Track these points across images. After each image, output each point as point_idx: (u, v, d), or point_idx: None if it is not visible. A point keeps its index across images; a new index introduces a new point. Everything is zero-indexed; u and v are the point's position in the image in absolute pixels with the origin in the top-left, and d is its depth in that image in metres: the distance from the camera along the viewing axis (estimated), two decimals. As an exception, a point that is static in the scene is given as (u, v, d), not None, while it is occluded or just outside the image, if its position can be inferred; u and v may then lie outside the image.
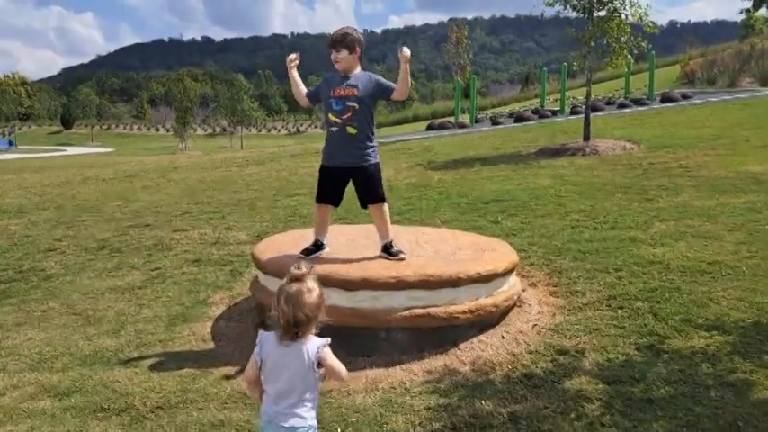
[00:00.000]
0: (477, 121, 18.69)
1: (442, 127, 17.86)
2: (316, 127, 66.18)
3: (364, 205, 4.24)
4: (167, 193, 10.50)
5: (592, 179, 8.77)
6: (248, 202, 9.12)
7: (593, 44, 11.43)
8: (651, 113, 16.27)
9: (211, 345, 4.37)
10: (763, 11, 30.78)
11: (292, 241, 4.84)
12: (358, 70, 4.13)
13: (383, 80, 4.19)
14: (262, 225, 7.57)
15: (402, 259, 4.11)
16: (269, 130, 68.76)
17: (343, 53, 4.06)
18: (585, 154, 10.73)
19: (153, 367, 4.02)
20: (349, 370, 3.84)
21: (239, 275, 5.74)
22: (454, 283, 3.96)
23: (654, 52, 18.05)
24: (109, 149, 54.15)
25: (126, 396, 3.64)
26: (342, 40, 4.06)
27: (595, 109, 17.15)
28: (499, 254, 4.49)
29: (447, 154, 12.33)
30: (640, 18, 11.03)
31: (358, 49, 4.10)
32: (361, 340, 3.99)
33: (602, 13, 11.18)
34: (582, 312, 4.42)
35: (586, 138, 11.56)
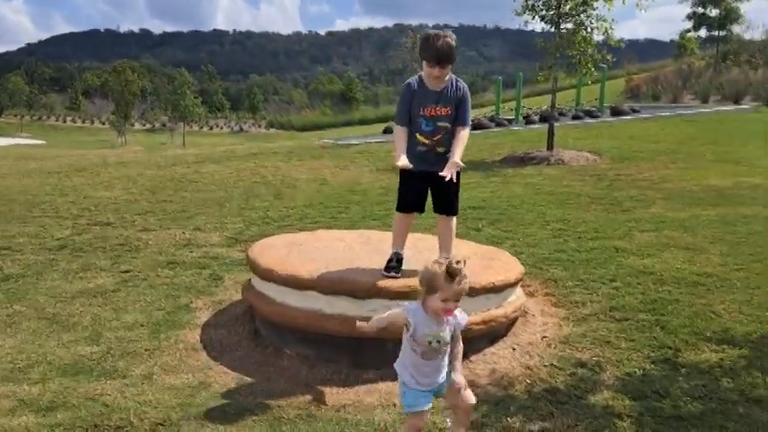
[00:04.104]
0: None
1: (399, 131, 17.79)
2: (259, 126, 65.07)
3: (441, 212, 3.89)
4: (123, 189, 9.96)
5: (564, 189, 8.83)
6: (214, 201, 8.73)
7: (558, 56, 11.59)
8: (605, 126, 16.68)
9: (203, 354, 4.07)
10: (695, 32, 32.25)
11: (285, 246, 4.59)
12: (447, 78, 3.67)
13: (468, 100, 3.75)
14: (234, 227, 7.24)
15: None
16: (211, 128, 67.20)
17: (448, 68, 3.60)
18: (551, 163, 10.85)
19: (144, 379, 3.69)
20: (360, 383, 3.69)
21: (220, 280, 5.43)
22: (468, 293, 3.81)
23: (605, 66, 18.56)
24: (39, 141, 51.51)
25: (119, 411, 3.32)
26: (451, 55, 3.53)
27: (549, 119, 17.47)
28: (505, 263, 4.38)
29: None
30: (606, 31, 11.25)
31: None
32: (370, 352, 3.79)
33: (569, 26, 11.35)
34: (587, 324, 4.36)
35: (550, 147, 11.70)
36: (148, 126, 67.53)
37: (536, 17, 11.44)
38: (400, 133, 3.70)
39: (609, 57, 11.51)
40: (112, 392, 3.52)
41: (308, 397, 3.50)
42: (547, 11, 11.34)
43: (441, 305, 2.55)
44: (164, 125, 62.09)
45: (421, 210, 3.89)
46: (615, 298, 4.75)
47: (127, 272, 5.66)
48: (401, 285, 3.73)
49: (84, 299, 4.97)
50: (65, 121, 73.59)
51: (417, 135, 3.70)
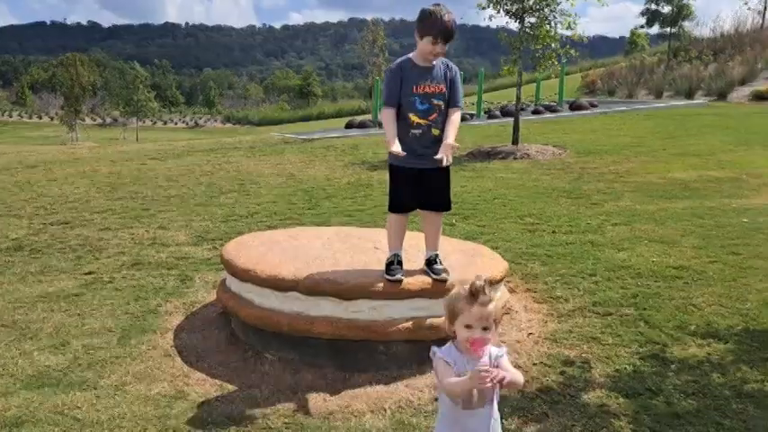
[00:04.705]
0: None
1: (362, 125, 17.63)
2: (215, 121, 63.91)
3: (431, 208, 3.71)
4: (79, 186, 9.53)
5: (533, 183, 8.84)
6: (177, 198, 8.43)
7: (521, 49, 11.61)
8: (566, 120, 16.87)
9: (178, 361, 3.86)
10: (649, 28, 33.00)
11: (262, 245, 4.40)
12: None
13: (459, 81, 3.63)
14: (200, 224, 6.98)
15: (445, 280, 3.61)
16: (165, 123, 65.63)
17: (447, 45, 3.48)
18: (517, 158, 10.87)
19: (116, 389, 3.47)
20: (346, 387, 3.54)
21: (190, 281, 5.20)
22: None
23: (565, 61, 18.76)
24: (-17, 137, 49.37)
25: (91, 426, 3.10)
26: (455, 32, 3.42)
27: (511, 114, 17.57)
28: (489, 260, 4.29)
29: (376, 153, 12.10)
30: (569, 26, 11.32)
31: None
32: (356, 354, 3.65)
33: (532, 20, 11.37)
34: (572, 320, 4.31)
35: (515, 142, 11.73)
36: (99, 121, 65.56)
37: (500, 11, 11.42)
38: (390, 116, 3.47)
39: (572, 51, 11.60)
40: (83, 405, 3.29)
41: (294, 404, 3.34)
42: (511, 5, 11.33)
43: (465, 334, 2.11)
44: (115, 120, 60.35)
45: (415, 208, 3.72)
46: (596, 293, 4.73)
47: (89, 274, 5.37)
48: (389, 286, 3.59)
49: (46, 304, 4.68)
50: (10, 116, 70.87)
51: (411, 115, 3.48)
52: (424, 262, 3.76)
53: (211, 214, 7.45)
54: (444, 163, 3.38)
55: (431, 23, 3.40)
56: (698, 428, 3.00)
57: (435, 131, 3.52)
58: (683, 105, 19.12)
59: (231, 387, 3.54)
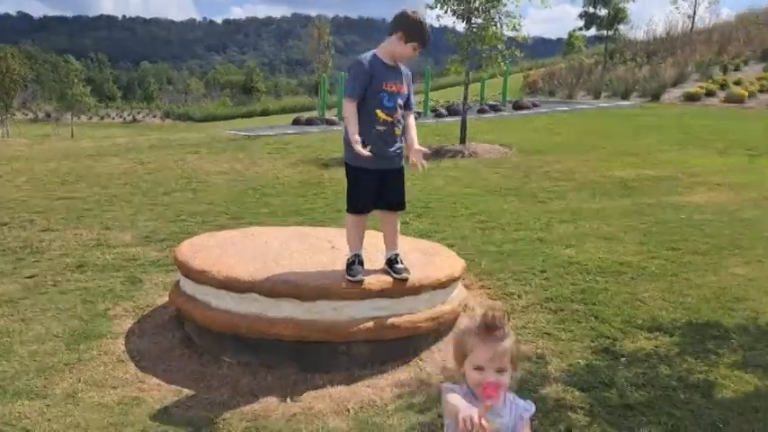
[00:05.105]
0: (342, 119, 18.62)
1: (309, 122, 17.50)
2: (154, 116, 62.11)
3: (391, 208, 3.75)
4: (16, 186, 9.11)
5: (482, 181, 8.99)
6: (121, 197, 8.17)
7: (468, 49, 11.78)
8: (510, 119, 17.22)
9: (131, 366, 3.75)
10: (587, 31, 34.02)
11: (217, 246, 4.34)
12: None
13: (411, 84, 3.72)
14: (147, 224, 6.79)
15: (406, 279, 3.67)
16: (101, 118, 63.26)
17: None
18: (465, 156, 11.03)
19: (67, 397, 3.35)
20: (307, 388, 3.53)
21: (139, 283, 5.05)
22: (416, 290, 3.75)
23: (510, 61, 19.15)
24: None
25: (43, 437, 2.98)
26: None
27: (457, 112, 17.80)
28: (446, 258, 4.35)
29: (328, 150, 12.05)
30: (514, 27, 11.56)
31: None
32: (317, 356, 3.64)
33: (479, 21, 11.55)
34: (525, 315, 4.42)
35: (463, 141, 11.90)
36: (31, 116, 62.73)
37: (448, 11, 11.55)
38: (354, 110, 3.44)
39: (517, 52, 11.84)
40: (32, 415, 3.16)
41: (255, 407, 3.30)
42: (458, 6, 11.47)
43: (476, 377, 1.72)
44: (48, 115, 57.81)
45: (373, 208, 3.73)
46: (548, 289, 4.86)
47: (32, 277, 5.15)
48: (351, 286, 3.60)
49: (-14, 309, 4.46)
50: (-69, 110, 66.92)
51: (378, 111, 3.49)
52: (384, 262, 3.78)
53: (158, 214, 7.26)
54: (421, 170, 3.46)
55: (420, 32, 3.47)
56: (650, 419, 3.13)
57: (397, 130, 3.57)
58: (620, 106, 19.80)
59: (189, 392, 3.47)
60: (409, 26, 3.47)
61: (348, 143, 3.47)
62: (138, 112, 64.31)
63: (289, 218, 7.00)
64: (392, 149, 3.58)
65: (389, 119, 3.53)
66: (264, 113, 45.04)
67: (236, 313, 3.68)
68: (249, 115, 46.23)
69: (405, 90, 3.58)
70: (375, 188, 3.62)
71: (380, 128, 3.52)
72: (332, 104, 21.19)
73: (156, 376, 3.63)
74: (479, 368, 1.72)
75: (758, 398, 3.29)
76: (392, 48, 3.52)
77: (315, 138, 14.21)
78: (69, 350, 3.90)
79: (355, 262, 3.66)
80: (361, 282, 3.57)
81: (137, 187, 8.85)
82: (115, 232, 6.49)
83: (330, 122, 17.57)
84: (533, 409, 1.85)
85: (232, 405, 3.32)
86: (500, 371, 1.72)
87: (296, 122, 17.89)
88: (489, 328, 1.73)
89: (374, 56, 3.53)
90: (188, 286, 4.03)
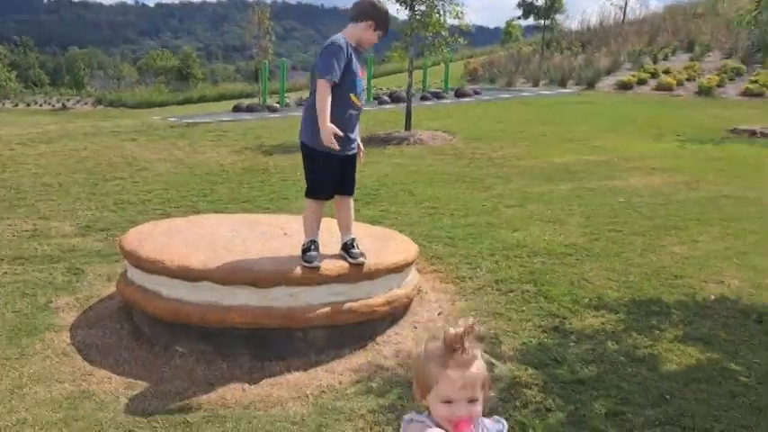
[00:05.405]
0: (285, 105, 18.34)
1: (250, 109, 17.16)
2: (85, 103, 59.66)
3: (348, 193, 3.77)
4: (-62, 175, 8.59)
5: (428, 168, 9.06)
6: (56, 186, 7.82)
7: (412, 36, 11.81)
8: (452, 106, 17.39)
9: (78, 359, 3.62)
10: (525, 20, 34.68)
11: (164, 233, 4.22)
12: None
13: None
14: (86, 214, 6.54)
15: (362, 263, 3.67)
16: (28, 105, 60.28)
17: None
18: (410, 143, 11.08)
19: (12, 393, 3.21)
20: (264, 376, 3.50)
21: (81, 274, 4.87)
22: (371, 275, 3.76)
23: (450, 49, 19.31)
24: None
25: (-13, 435, 2.85)
26: None
27: (400, 99, 17.84)
28: (400, 243, 4.37)
29: (270, 137, 11.86)
30: (457, 15, 11.65)
31: None
32: (273, 342, 3.60)
33: (422, 8, 11.58)
34: (477, 297, 4.50)
35: (408, 128, 11.95)
36: (-52, 102, 59.17)
37: (391, -3, 11.51)
38: (328, 93, 3.37)
39: (461, 39, 11.95)
40: (-26, 413, 3.01)
41: (212, 396, 3.25)
42: (401, -8, 11.46)
43: (444, 412, 1.43)
44: (-32, 102, 54.70)
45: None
46: (498, 271, 4.95)
47: (-37, 270, 4.88)
48: (308, 272, 3.57)
49: None
50: None
51: (353, 96, 3.53)
52: (340, 247, 3.77)
53: (98, 203, 6.99)
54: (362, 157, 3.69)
55: (387, 21, 3.61)
56: (600, 392, 3.25)
57: (360, 116, 3.60)
58: (558, 94, 20.30)
59: (141, 383, 3.38)
60: (379, 16, 3.57)
61: (313, 126, 3.42)
62: (68, 99, 61.51)
63: (234, 205, 6.88)
64: (355, 134, 3.62)
65: (359, 103, 3.59)
66: (202, 100, 43.85)
67: (189, 302, 3.60)
68: (186, 102, 44.91)
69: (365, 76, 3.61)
70: (339, 173, 3.63)
71: (353, 112, 3.57)
72: (273, 91, 20.83)
73: (105, 369, 3.52)
74: (448, 401, 1.42)
75: (700, 369, 3.46)
76: (360, 34, 3.57)
77: (257, 125, 13.97)
78: (11, 345, 3.73)
79: (311, 248, 3.63)
80: (318, 267, 3.55)
81: (72, 176, 8.49)
82: (53, 222, 6.22)
83: (272, 109, 17.30)
84: (506, 427, 1.57)
85: (188, 395, 3.25)
86: (472, 401, 1.43)
87: (237, 109, 17.51)
88: (453, 350, 1.42)
89: (345, 40, 3.53)
90: (137, 276, 3.90)
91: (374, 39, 3.61)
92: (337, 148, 3.38)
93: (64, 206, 6.84)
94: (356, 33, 3.57)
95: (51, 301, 4.37)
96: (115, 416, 3.05)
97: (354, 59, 3.52)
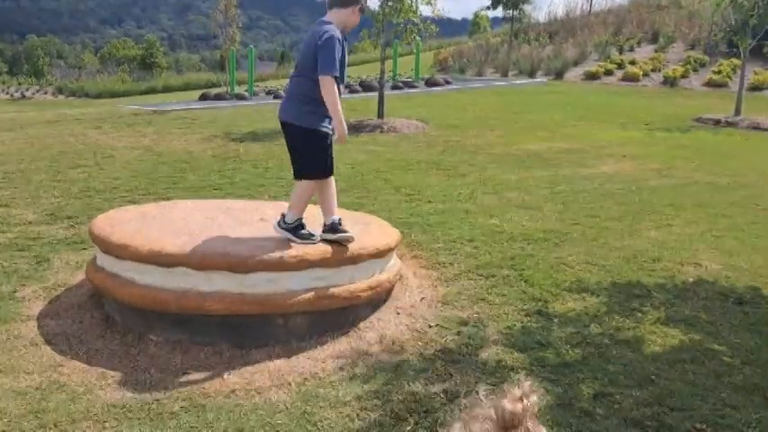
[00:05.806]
0: (254, 95, 18.03)
1: (218, 98, 16.83)
2: (45, 93, 57.99)
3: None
4: None
5: (402, 155, 8.98)
6: (18, 174, 7.53)
7: (384, 23, 11.68)
8: (424, 95, 17.32)
9: (47, 350, 3.46)
10: (493, 10, 34.79)
11: (136, 219, 4.07)
12: None
13: None
14: (51, 201, 6.29)
15: (352, 239, 3.66)
16: (-16, 94, 58.32)
17: None
18: (384, 131, 10.97)
19: (-24, 387, 3.04)
20: (245, 364, 3.39)
21: (47, 262, 4.67)
22: (354, 259, 3.67)
23: (420, 38, 19.22)
24: None
25: (-49, 430, 2.69)
26: None
27: (371, 87, 17.72)
28: (381, 228, 4.29)
29: (240, 125, 11.62)
30: (429, 2, 11.56)
31: None
32: (252, 330, 3.49)
33: (394, -6, 11.44)
34: (459, 282, 4.44)
35: (381, 115, 11.84)
36: None
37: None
38: (335, 89, 3.41)
39: (433, 27, 11.87)
40: (-64, 407, 2.84)
41: (190, 386, 3.13)
42: (373, -22, 11.32)
43: None
44: None
45: None
46: (477, 257, 4.91)
47: None
48: (288, 257, 3.46)
49: None
50: None
51: (341, 87, 3.57)
52: (327, 229, 3.69)
53: (62, 191, 6.74)
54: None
55: (366, 1, 3.60)
56: (587, 375, 3.23)
57: None
58: (527, 83, 20.40)
59: (114, 374, 3.24)
60: None
61: (314, 110, 3.49)
62: (27, 89, 59.82)
63: (206, 192, 6.71)
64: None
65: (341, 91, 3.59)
66: (167, 90, 42.99)
67: (163, 289, 3.46)
68: (150, 92, 44.00)
69: None
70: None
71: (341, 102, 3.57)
72: (241, 80, 20.49)
73: (76, 359, 3.37)
74: None
75: (683, 350, 3.47)
76: (346, 19, 3.55)
77: (226, 113, 13.69)
78: (-27, 336, 3.54)
79: (304, 225, 3.63)
80: (317, 241, 3.60)
81: (34, 163, 8.18)
82: (15, 210, 5.98)
83: (241, 97, 17.00)
84: None
85: (164, 385, 3.13)
86: None
87: (204, 98, 17.17)
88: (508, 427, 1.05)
89: (338, 32, 3.47)
90: (107, 262, 3.75)
91: (357, 21, 3.59)
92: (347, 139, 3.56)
93: (26, 194, 6.58)
94: (344, 19, 3.56)
95: (16, 291, 4.18)
96: (88, 407, 2.91)
97: (344, 50, 3.52)
